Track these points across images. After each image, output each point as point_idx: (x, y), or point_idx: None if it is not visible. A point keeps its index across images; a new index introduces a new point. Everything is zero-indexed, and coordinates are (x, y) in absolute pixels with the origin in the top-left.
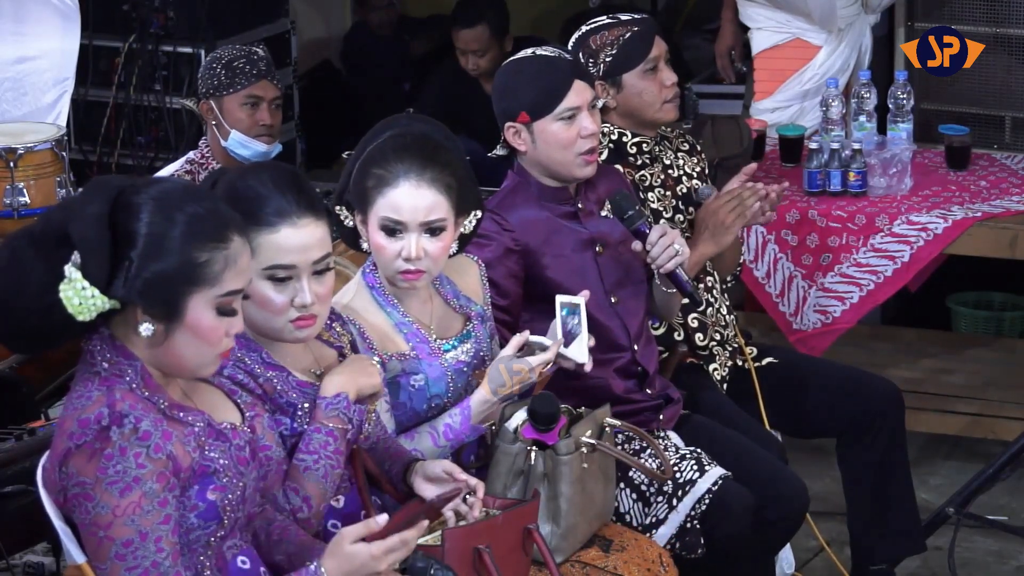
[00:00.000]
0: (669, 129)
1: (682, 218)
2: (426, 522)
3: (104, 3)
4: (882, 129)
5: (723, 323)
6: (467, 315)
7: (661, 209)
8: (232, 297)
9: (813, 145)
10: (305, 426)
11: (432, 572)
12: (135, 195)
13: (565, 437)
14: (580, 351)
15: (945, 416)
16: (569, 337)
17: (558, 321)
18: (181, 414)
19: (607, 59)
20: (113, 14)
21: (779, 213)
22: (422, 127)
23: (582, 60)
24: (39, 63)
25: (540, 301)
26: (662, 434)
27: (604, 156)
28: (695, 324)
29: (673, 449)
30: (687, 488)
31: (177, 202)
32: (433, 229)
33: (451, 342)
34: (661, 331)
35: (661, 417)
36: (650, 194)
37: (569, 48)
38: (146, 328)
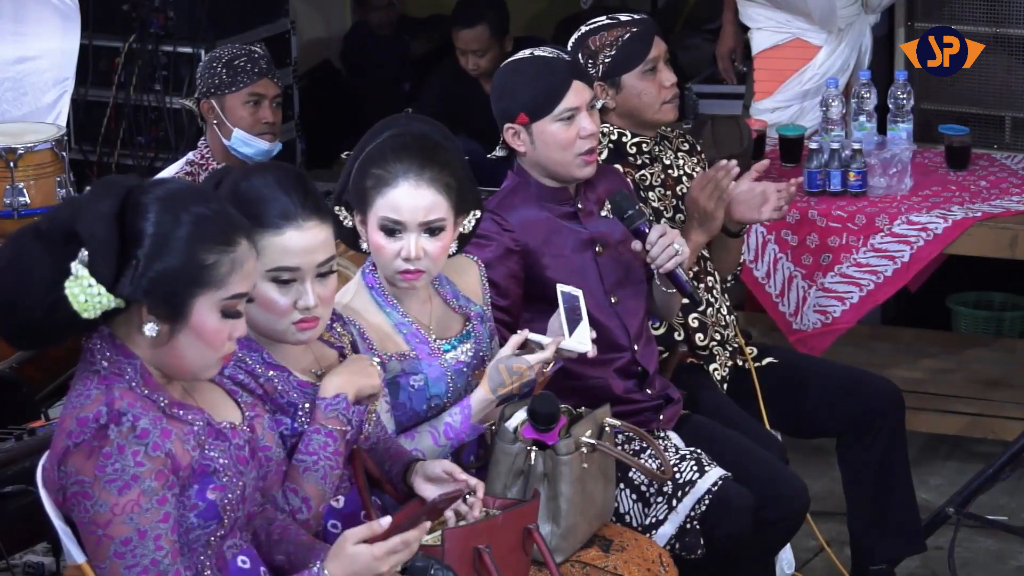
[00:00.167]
0: (669, 129)
1: (682, 218)
2: (428, 523)
3: (104, 3)
4: (882, 129)
5: (723, 323)
6: (467, 315)
7: (662, 209)
8: (237, 300)
9: (813, 145)
10: (306, 426)
11: (432, 572)
12: (143, 195)
13: (565, 437)
14: (583, 340)
15: (945, 416)
16: (573, 324)
17: (561, 310)
18: (181, 412)
19: (606, 60)
20: (113, 14)
21: None
22: (421, 127)
23: (581, 61)
24: (39, 63)
25: (540, 301)
26: (662, 434)
27: (604, 156)
28: (695, 324)
29: (673, 449)
30: (687, 488)
31: (184, 203)
32: (432, 229)
33: (451, 342)
34: (661, 331)
35: (661, 417)
36: (650, 194)
37: (568, 49)
38: (150, 328)
